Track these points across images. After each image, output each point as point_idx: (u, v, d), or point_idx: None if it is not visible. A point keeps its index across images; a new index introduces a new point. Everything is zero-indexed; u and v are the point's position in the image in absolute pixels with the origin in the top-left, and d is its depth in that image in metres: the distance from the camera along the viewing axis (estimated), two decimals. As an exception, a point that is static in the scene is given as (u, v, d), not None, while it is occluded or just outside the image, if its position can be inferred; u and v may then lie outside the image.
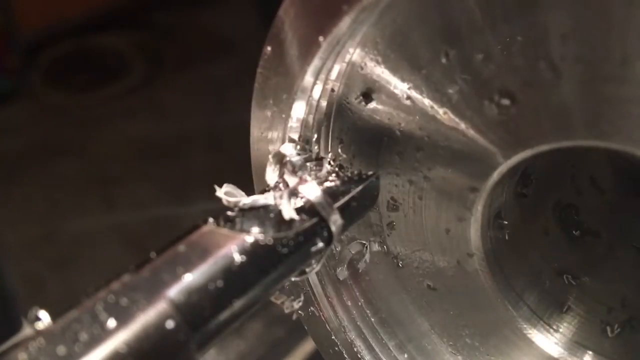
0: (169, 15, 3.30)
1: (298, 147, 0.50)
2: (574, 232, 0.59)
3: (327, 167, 0.49)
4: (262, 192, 0.45)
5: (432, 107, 0.44)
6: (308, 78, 0.47)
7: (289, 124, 0.49)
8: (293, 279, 0.46)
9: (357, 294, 0.58)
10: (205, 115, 2.57)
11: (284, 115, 0.49)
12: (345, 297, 0.58)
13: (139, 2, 3.25)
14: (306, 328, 0.59)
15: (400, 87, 0.45)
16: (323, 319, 0.58)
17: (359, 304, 0.58)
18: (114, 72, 2.98)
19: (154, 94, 2.85)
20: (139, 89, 2.88)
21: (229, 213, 0.44)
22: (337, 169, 0.50)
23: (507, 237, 0.53)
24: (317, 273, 0.55)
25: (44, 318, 0.34)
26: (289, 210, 0.43)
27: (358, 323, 0.58)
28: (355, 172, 0.50)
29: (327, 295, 0.57)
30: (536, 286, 0.55)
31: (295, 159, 0.48)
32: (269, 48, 0.46)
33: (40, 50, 3.02)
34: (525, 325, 0.53)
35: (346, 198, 0.46)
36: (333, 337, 0.58)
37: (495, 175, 0.45)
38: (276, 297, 0.54)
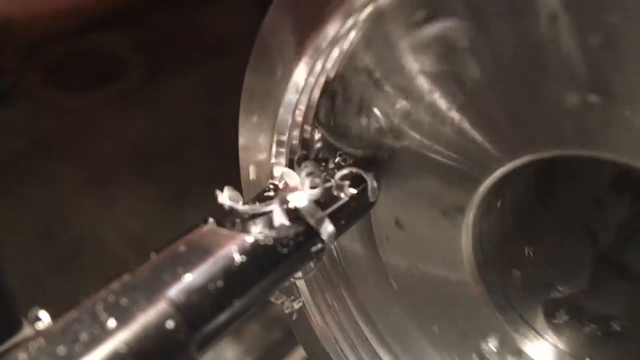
0: (169, 15, 3.29)
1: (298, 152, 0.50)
2: (568, 242, 0.59)
3: (327, 168, 0.49)
4: (260, 196, 0.45)
5: (420, 112, 0.44)
6: (296, 83, 0.47)
7: (279, 129, 0.49)
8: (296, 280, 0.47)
9: (350, 303, 0.57)
10: (205, 115, 2.57)
11: (271, 121, 0.49)
12: (338, 306, 0.57)
13: (139, 2, 3.25)
14: (297, 337, 0.59)
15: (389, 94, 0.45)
16: (314, 327, 0.58)
17: (352, 313, 0.58)
18: (113, 72, 2.98)
19: (153, 94, 2.84)
20: (138, 89, 2.88)
21: (230, 213, 0.44)
22: (336, 170, 0.50)
23: (499, 247, 0.53)
24: (307, 281, 0.55)
25: (44, 318, 0.35)
26: (280, 217, 0.43)
27: (350, 332, 0.58)
28: (355, 172, 0.49)
29: (319, 303, 0.57)
30: (529, 296, 0.55)
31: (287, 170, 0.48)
32: (255, 53, 0.46)
33: (40, 50, 3.02)
34: (516, 335, 0.53)
35: (345, 199, 0.46)
36: (324, 346, 0.58)
37: (486, 185, 0.44)
38: (276, 297, 0.54)
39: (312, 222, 0.43)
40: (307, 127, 0.50)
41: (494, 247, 0.52)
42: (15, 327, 0.73)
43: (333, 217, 0.44)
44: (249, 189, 0.53)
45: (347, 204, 0.46)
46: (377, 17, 0.43)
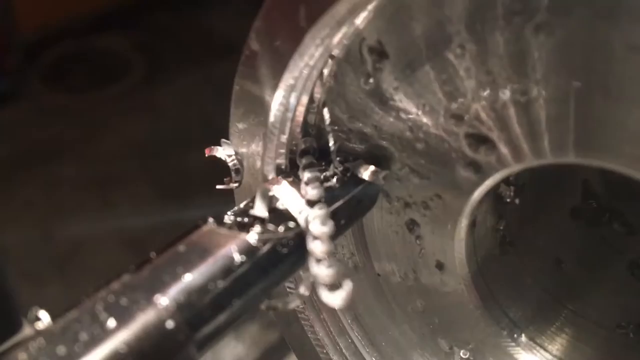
0: (169, 15, 3.30)
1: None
2: (566, 250, 0.59)
3: (327, 168, 0.49)
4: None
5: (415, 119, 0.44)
6: (296, 83, 0.47)
7: (278, 130, 0.49)
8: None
9: (344, 312, 0.57)
10: (205, 115, 2.56)
11: (265, 126, 0.49)
12: (332, 313, 0.57)
13: (139, 2, 3.25)
14: (289, 345, 0.59)
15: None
16: (308, 335, 0.58)
17: (346, 322, 0.58)
18: (113, 72, 2.98)
19: (154, 94, 2.84)
20: (139, 89, 2.88)
21: (229, 213, 0.44)
22: (336, 170, 0.50)
23: (492, 256, 0.53)
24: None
25: (44, 318, 0.35)
26: (279, 218, 0.43)
27: (343, 340, 0.58)
28: (355, 173, 0.49)
29: (312, 311, 0.57)
30: (524, 305, 0.55)
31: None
32: (244, 58, 0.46)
33: (40, 50, 3.02)
34: (511, 344, 0.53)
35: (345, 199, 0.46)
36: (316, 354, 0.58)
37: (478, 194, 0.44)
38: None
39: (307, 237, 0.43)
40: (308, 128, 0.50)
41: (488, 255, 0.52)
42: (15, 327, 0.73)
43: (333, 217, 0.44)
44: (242, 194, 0.53)
45: (346, 204, 0.46)
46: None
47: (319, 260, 0.41)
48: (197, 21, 3.25)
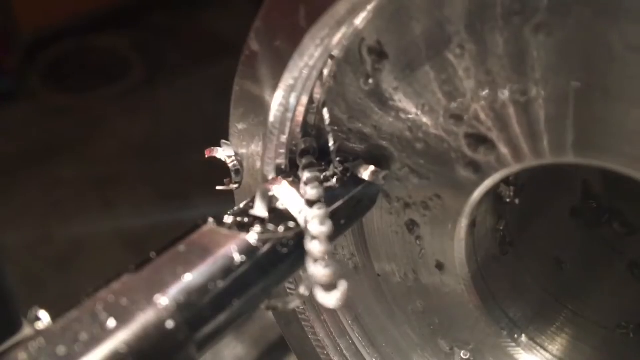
0: (169, 15, 3.30)
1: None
2: (565, 250, 0.59)
3: (327, 168, 0.49)
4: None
5: (414, 119, 0.44)
6: (295, 83, 0.47)
7: (278, 130, 0.49)
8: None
9: (344, 312, 0.57)
10: (205, 115, 2.57)
11: (264, 127, 0.49)
12: (333, 314, 0.57)
13: (139, 2, 3.25)
14: (290, 345, 0.59)
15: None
16: (308, 336, 0.58)
17: (346, 322, 0.58)
18: (113, 72, 2.98)
19: (154, 94, 2.85)
20: (139, 89, 2.88)
21: (229, 213, 0.44)
22: (336, 170, 0.50)
23: (492, 256, 0.53)
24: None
25: (44, 318, 0.35)
26: (279, 218, 0.43)
27: (344, 340, 0.58)
28: (355, 173, 0.49)
29: (313, 312, 0.57)
30: (524, 305, 0.55)
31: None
32: (244, 58, 0.46)
33: (40, 50, 3.02)
34: (511, 344, 0.53)
35: (344, 199, 0.46)
36: (316, 354, 0.58)
37: (478, 194, 0.45)
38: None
39: (306, 235, 0.43)
40: (308, 128, 0.50)
41: (488, 255, 0.52)
42: (15, 327, 0.73)
43: (332, 217, 0.44)
44: (242, 194, 0.53)
45: (346, 204, 0.46)
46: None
47: (316, 260, 0.41)
48: (197, 21, 3.25)
